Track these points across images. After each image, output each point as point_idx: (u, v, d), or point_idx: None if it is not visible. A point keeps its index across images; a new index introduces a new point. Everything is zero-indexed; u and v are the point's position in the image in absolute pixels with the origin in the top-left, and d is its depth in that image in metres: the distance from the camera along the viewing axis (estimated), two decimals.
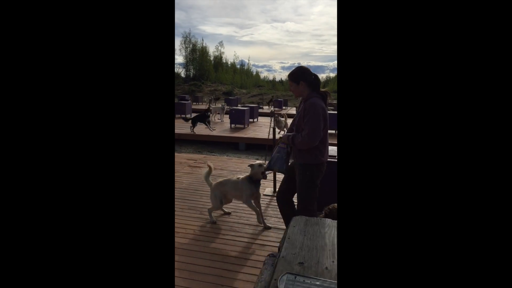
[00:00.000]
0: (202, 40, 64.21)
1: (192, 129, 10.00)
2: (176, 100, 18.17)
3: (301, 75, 2.28)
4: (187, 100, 18.11)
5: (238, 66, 48.88)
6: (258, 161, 3.00)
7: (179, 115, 13.75)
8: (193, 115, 11.53)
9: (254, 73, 49.70)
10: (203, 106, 18.79)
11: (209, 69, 41.48)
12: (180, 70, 42.29)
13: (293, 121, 2.50)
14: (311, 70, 2.37)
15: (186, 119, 10.75)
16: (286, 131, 2.72)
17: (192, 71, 41.89)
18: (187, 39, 42.08)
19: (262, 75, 52.08)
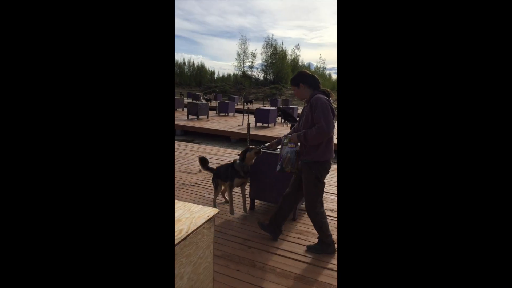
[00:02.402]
0: (282, 43, 64.39)
1: None
2: (250, 102, 17.92)
3: (299, 78, 2.37)
4: (290, 105, 17.68)
5: (313, 69, 47.86)
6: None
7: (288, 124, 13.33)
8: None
9: (327, 75, 48.06)
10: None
11: (288, 72, 41.27)
12: (257, 74, 42.93)
13: (298, 121, 2.55)
14: None
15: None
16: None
17: (270, 74, 42.14)
18: (269, 43, 42.61)
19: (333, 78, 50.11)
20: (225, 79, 53.80)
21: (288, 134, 2.55)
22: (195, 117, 12.48)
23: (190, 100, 19.00)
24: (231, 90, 36.56)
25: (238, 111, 16.18)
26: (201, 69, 60.97)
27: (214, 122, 11.85)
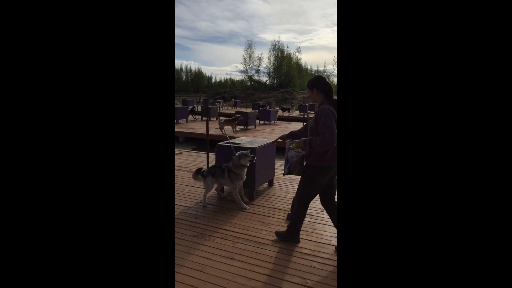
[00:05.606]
0: (287, 47, 63.79)
1: None
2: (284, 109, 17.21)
3: (315, 83, 2.44)
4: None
5: (313, 72, 47.55)
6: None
7: None
8: None
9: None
10: None
11: (295, 76, 40.67)
12: (265, 79, 42.28)
13: (305, 126, 2.70)
14: None
15: None
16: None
17: (276, 79, 41.48)
18: (275, 46, 42.00)
19: None
20: (222, 84, 52.89)
21: (290, 133, 2.74)
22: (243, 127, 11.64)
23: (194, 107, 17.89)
24: (241, 95, 35.71)
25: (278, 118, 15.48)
26: (199, 74, 60.02)
27: (265, 132, 11.01)
